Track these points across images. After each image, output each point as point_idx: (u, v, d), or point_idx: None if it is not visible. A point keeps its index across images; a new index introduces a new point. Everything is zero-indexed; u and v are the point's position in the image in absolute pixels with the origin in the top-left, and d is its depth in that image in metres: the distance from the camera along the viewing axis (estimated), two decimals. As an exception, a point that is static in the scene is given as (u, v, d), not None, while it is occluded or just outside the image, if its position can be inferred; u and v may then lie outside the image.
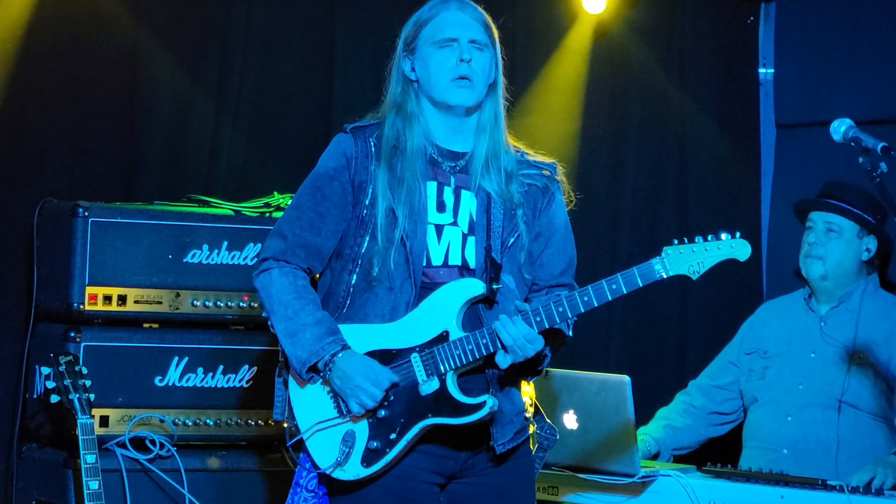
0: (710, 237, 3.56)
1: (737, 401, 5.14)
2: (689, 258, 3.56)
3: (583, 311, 3.58)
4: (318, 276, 3.77)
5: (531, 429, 3.80)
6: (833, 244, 4.97)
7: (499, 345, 3.57)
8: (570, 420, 4.50)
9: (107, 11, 4.99)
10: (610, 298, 3.57)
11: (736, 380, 5.14)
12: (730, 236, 3.56)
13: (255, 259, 4.56)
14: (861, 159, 3.86)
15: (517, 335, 3.55)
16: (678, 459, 5.02)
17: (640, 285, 3.58)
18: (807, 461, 4.76)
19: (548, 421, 3.84)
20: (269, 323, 3.70)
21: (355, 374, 3.57)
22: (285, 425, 3.71)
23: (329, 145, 3.76)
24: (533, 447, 3.84)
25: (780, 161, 6.17)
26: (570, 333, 3.75)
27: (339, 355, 3.59)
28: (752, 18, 6.23)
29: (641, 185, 6.03)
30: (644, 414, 5.09)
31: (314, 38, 5.46)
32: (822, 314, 5.03)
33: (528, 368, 3.70)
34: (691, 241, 3.57)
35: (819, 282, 5.00)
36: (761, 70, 6.24)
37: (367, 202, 3.67)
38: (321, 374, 3.62)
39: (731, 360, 5.17)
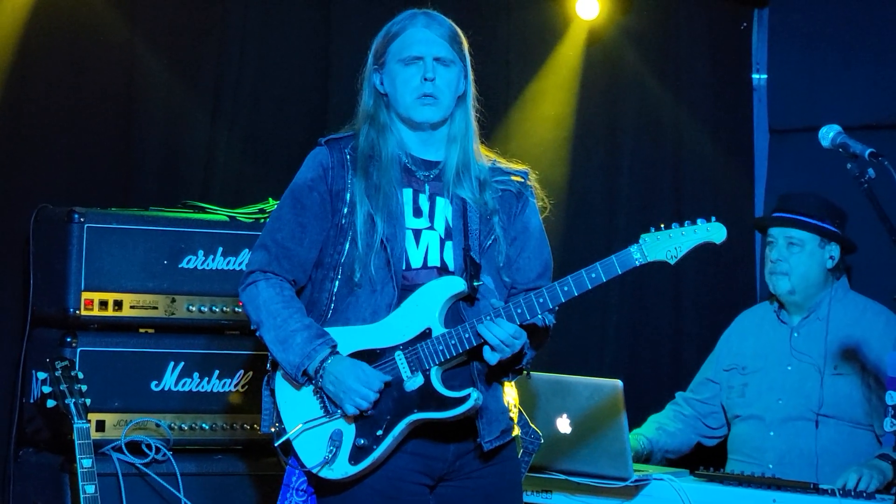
0: (686, 223, 3.63)
1: (719, 415, 5.12)
2: (665, 244, 3.62)
3: (563, 300, 3.63)
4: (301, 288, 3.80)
5: (516, 431, 3.83)
6: (796, 258, 4.93)
7: (483, 342, 3.61)
8: (563, 424, 4.52)
9: (103, 18, 5.00)
10: (590, 286, 3.63)
11: (716, 395, 5.13)
12: (704, 221, 3.62)
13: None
14: (849, 165, 3.88)
15: (504, 335, 3.60)
16: (668, 464, 5.03)
17: (619, 272, 3.64)
18: (792, 475, 4.72)
19: (532, 426, 3.87)
20: (258, 334, 3.73)
21: (346, 377, 3.61)
22: (273, 430, 3.74)
23: (305, 159, 3.81)
24: (518, 452, 3.87)
25: (773, 166, 6.18)
26: (553, 320, 3.78)
27: (329, 360, 3.63)
28: (745, 24, 6.24)
29: (636, 191, 6.05)
30: (637, 418, 5.10)
31: (310, 45, 5.48)
32: (793, 325, 5.01)
33: (509, 367, 3.74)
34: (668, 227, 3.63)
35: (787, 296, 4.97)
36: (755, 76, 6.25)
37: (345, 210, 3.71)
38: (314, 382, 3.65)
39: (709, 376, 5.16)
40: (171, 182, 5.15)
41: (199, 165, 5.21)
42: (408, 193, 3.73)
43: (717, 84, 6.19)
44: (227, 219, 4.80)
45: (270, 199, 4.90)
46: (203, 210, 4.84)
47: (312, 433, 3.67)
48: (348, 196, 3.71)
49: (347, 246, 3.69)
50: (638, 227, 5.94)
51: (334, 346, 3.64)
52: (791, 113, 6.11)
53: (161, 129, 5.15)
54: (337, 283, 3.70)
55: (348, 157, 3.74)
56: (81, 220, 4.52)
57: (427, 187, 3.75)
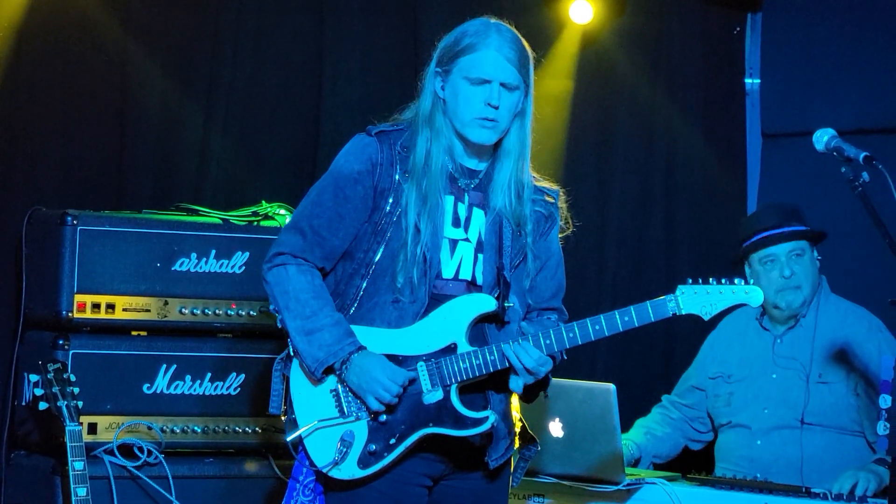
0: (724, 280, 3.63)
1: (705, 420, 5.12)
2: (702, 299, 3.64)
3: (592, 339, 3.64)
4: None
5: (517, 443, 3.84)
6: (803, 269, 4.90)
7: (508, 366, 3.62)
8: (555, 428, 4.52)
9: (96, 21, 5.00)
10: (621, 329, 3.63)
11: (701, 401, 5.11)
12: (742, 281, 3.63)
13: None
14: (843, 169, 3.89)
15: (532, 363, 3.61)
16: (657, 469, 5.03)
17: (653, 320, 3.64)
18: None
19: (530, 433, 3.87)
20: (280, 318, 3.71)
21: (372, 368, 3.60)
22: (284, 418, 3.73)
23: (350, 145, 3.74)
24: (515, 458, 3.88)
25: (766, 171, 6.20)
26: (565, 357, 3.79)
27: (356, 354, 3.62)
28: (738, 29, 6.25)
29: (628, 195, 6.05)
30: (629, 422, 5.11)
31: (303, 49, 5.48)
32: (777, 333, 4.98)
33: (531, 393, 3.75)
34: (706, 281, 3.64)
35: (798, 310, 4.93)
36: (747, 80, 6.26)
37: (386, 210, 3.68)
38: (337, 373, 3.65)
39: (694, 383, 5.14)
40: (165, 184, 5.15)
41: (192, 168, 5.21)
42: (449, 201, 3.70)
43: (709, 88, 6.20)
44: (220, 221, 4.79)
45: (263, 201, 4.90)
46: (196, 213, 4.84)
47: (324, 432, 3.67)
48: (392, 197, 3.67)
49: (382, 248, 3.67)
50: (630, 231, 6.06)
51: (361, 347, 3.64)
52: (783, 117, 6.13)
53: (154, 131, 5.14)
54: (366, 281, 3.69)
55: (398, 154, 3.70)
56: (74, 222, 4.51)
57: (467, 196, 3.73)
